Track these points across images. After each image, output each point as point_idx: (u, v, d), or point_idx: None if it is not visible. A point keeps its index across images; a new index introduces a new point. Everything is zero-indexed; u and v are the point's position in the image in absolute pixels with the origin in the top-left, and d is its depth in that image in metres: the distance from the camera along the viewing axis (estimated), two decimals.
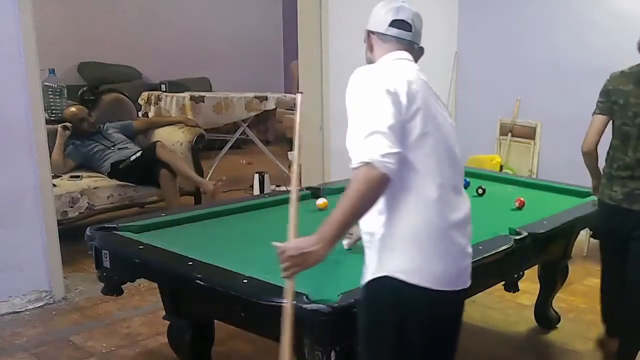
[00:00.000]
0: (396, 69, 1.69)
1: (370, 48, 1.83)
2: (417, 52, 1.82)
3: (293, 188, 1.82)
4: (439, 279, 1.62)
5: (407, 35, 1.78)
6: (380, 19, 1.78)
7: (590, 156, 2.66)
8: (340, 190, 3.27)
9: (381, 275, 1.61)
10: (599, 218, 2.72)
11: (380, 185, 1.50)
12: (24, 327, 3.31)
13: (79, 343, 3.13)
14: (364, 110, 1.59)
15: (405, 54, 1.77)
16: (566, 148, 4.81)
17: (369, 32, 1.81)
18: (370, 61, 1.83)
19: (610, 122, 2.61)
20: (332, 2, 4.62)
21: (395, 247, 1.60)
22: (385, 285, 1.60)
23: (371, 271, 1.64)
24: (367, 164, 1.50)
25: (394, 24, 1.77)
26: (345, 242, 2.19)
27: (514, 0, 5.46)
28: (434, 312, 1.64)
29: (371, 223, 1.64)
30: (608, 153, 2.65)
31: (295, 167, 1.85)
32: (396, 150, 1.51)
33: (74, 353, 3.03)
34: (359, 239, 1.81)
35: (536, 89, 5.21)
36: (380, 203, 1.58)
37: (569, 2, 4.85)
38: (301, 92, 2.01)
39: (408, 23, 1.77)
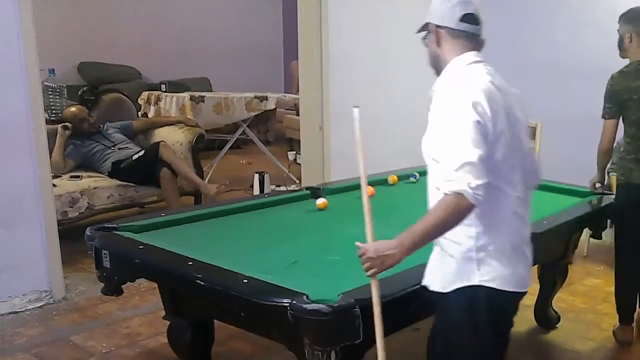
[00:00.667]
0: (478, 84, 1.71)
1: (438, 43, 1.81)
2: (482, 45, 1.85)
3: (364, 192, 1.88)
4: (522, 283, 1.81)
5: (476, 30, 1.79)
6: (448, 13, 1.77)
7: (607, 155, 3.10)
8: (340, 190, 3.30)
9: (470, 284, 1.73)
10: (626, 199, 3.04)
11: (467, 214, 1.63)
12: (24, 327, 3.31)
13: (79, 343, 3.13)
14: (453, 137, 1.64)
15: (478, 55, 1.80)
16: (566, 148, 4.83)
17: (437, 27, 1.79)
18: (436, 56, 1.83)
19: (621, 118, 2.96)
20: (332, 2, 4.62)
21: (486, 259, 1.73)
22: (477, 293, 1.73)
23: (450, 279, 1.76)
24: (458, 193, 1.59)
25: (465, 18, 1.76)
26: None
27: (513, 0, 5.46)
28: (516, 311, 1.88)
29: (459, 234, 1.72)
30: (626, 142, 3.01)
31: (362, 175, 1.91)
32: (485, 181, 1.61)
33: (74, 353, 3.03)
34: None
35: (536, 89, 5.20)
36: (471, 216, 1.67)
37: (569, 2, 4.85)
38: (358, 106, 1.98)
39: (477, 17, 1.78)
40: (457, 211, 1.62)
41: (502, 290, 1.74)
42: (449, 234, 1.72)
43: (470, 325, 1.77)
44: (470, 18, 1.77)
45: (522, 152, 1.78)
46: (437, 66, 1.84)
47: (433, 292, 1.81)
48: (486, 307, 1.74)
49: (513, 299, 1.81)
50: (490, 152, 1.65)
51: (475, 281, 1.73)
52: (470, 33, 1.78)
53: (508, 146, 1.70)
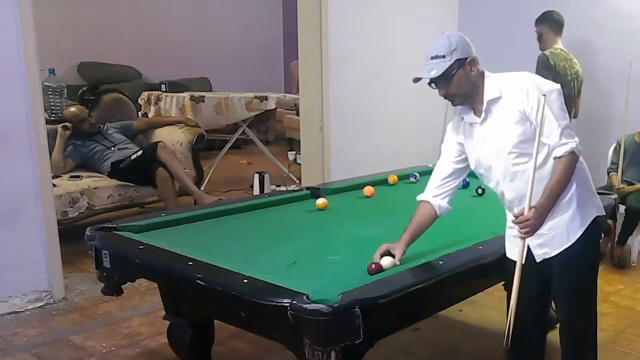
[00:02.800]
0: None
1: (473, 71, 2.14)
2: None
3: (533, 164, 2.01)
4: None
5: None
6: (467, 45, 2.15)
7: None
8: (340, 190, 3.30)
9: (593, 217, 2.16)
10: None
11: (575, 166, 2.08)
12: (24, 327, 3.31)
13: (79, 343, 3.13)
14: (548, 113, 2.03)
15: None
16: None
17: (467, 60, 2.13)
18: (474, 83, 2.14)
19: None
20: (331, 2, 4.63)
21: (589, 197, 2.19)
22: (598, 222, 2.19)
23: (579, 220, 2.14)
24: (572, 152, 2.03)
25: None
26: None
27: (513, 0, 5.46)
28: None
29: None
30: None
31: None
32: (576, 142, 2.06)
33: (74, 353, 3.03)
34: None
35: None
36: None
37: (569, 2, 4.85)
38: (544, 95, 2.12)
39: None
40: (573, 166, 2.06)
41: (603, 215, 2.25)
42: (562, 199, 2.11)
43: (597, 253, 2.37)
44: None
45: None
46: (475, 91, 2.14)
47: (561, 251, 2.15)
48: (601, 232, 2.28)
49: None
50: None
51: (592, 215, 2.17)
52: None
53: None
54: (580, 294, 2.23)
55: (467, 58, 2.11)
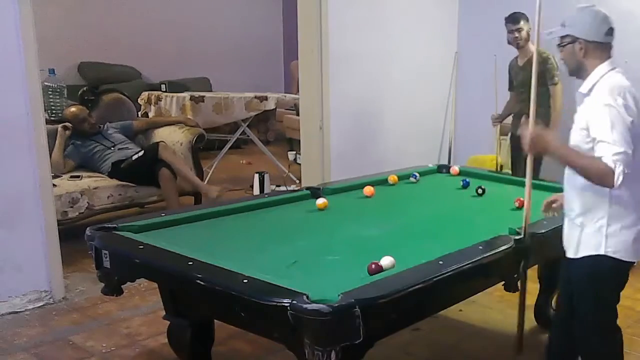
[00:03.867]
0: (625, 88, 2.11)
1: (585, 54, 2.16)
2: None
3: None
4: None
5: (612, 40, 2.19)
6: (596, 28, 2.15)
7: None
8: (340, 190, 3.30)
9: (598, 253, 2.17)
10: None
11: (602, 184, 2.04)
12: (24, 327, 3.31)
13: (79, 343, 3.13)
14: (615, 129, 2.01)
15: (612, 62, 2.19)
16: None
17: (585, 41, 2.14)
18: (580, 64, 2.18)
19: None
20: (332, 2, 4.63)
21: (614, 234, 2.17)
22: (603, 262, 2.18)
23: (585, 245, 2.21)
24: (611, 169, 1.98)
25: (608, 31, 2.16)
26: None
27: (513, 0, 5.46)
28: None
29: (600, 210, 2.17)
30: None
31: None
32: (628, 171, 1.99)
33: (74, 353, 3.03)
34: None
35: None
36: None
37: (568, 2, 4.84)
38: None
39: (614, 30, 2.18)
40: (600, 176, 2.02)
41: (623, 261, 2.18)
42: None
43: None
44: (610, 31, 2.17)
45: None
46: (579, 72, 2.21)
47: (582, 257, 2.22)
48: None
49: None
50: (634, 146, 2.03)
51: (601, 251, 2.16)
52: (609, 44, 2.18)
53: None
54: (578, 308, 2.33)
55: (578, 39, 2.16)
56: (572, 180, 2.22)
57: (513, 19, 4.59)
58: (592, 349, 2.37)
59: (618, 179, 1.97)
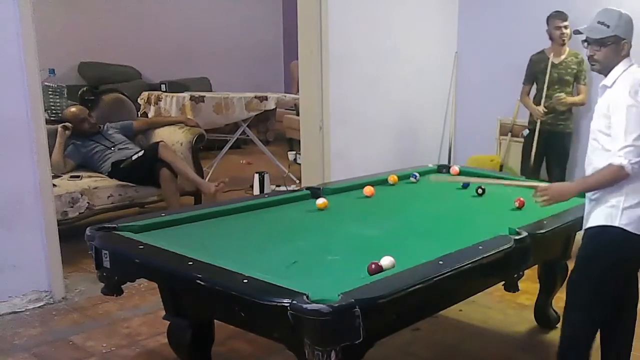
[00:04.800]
0: None
1: (619, 51, 2.36)
2: None
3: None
4: None
5: None
6: (630, 29, 2.37)
7: None
8: (340, 190, 3.30)
9: (607, 223, 2.33)
10: None
11: (622, 180, 2.25)
12: (24, 327, 3.31)
13: (79, 343, 3.13)
14: (626, 123, 2.22)
15: (631, 58, 2.39)
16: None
17: (622, 40, 2.35)
18: (612, 60, 2.36)
19: None
20: (331, 2, 4.63)
21: (621, 207, 2.32)
22: (609, 231, 2.34)
23: (595, 216, 2.37)
24: (618, 166, 2.20)
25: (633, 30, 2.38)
26: None
27: (513, 0, 5.46)
28: None
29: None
30: None
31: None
32: (638, 159, 2.20)
33: (74, 353, 3.03)
34: None
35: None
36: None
37: (568, 2, 4.85)
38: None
39: None
40: (613, 178, 2.24)
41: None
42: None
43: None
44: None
45: None
46: (608, 68, 2.38)
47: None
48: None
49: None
50: None
51: (615, 223, 2.31)
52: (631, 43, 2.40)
53: None
54: (571, 284, 2.48)
55: (624, 39, 2.35)
56: (590, 162, 2.40)
57: (562, 15, 4.64)
58: (572, 321, 2.48)
59: (631, 169, 2.19)
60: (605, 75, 2.40)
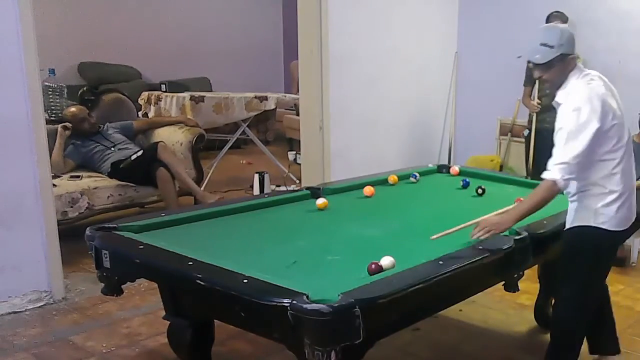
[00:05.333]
0: (596, 93, 2.32)
1: (571, 67, 2.39)
2: None
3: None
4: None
5: None
6: (572, 43, 2.38)
7: None
8: (340, 190, 3.30)
9: (585, 224, 2.42)
10: None
11: (553, 196, 2.32)
12: (24, 327, 3.31)
13: (79, 343, 3.13)
14: (568, 141, 2.29)
15: (581, 67, 2.42)
16: None
17: (569, 56, 2.37)
18: (564, 77, 2.39)
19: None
20: (331, 2, 4.63)
21: (597, 207, 2.40)
22: (587, 232, 2.43)
23: (574, 217, 2.46)
24: (551, 181, 2.28)
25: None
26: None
27: (513, 0, 5.47)
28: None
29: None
30: None
31: None
32: (573, 176, 2.30)
33: (74, 353, 3.03)
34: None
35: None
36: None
37: (569, 2, 4.85)
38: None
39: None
40: (549, 194, 2.30)
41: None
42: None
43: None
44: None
45: (622, 125, 2.39)
46: (559, 84, 2.41)
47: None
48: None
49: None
50: (602, 142, 2.30)
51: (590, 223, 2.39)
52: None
53: (618, 128, 2.34)
54: (562, 279, 2.53)
55: (569, 55, 2.37)
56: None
57: (562, 17, 4.63)
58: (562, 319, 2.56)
59: (564, 184, 2.28)
60: (558, 90, 2.43)
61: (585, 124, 2.26)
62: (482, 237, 2.32)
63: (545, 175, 2.31)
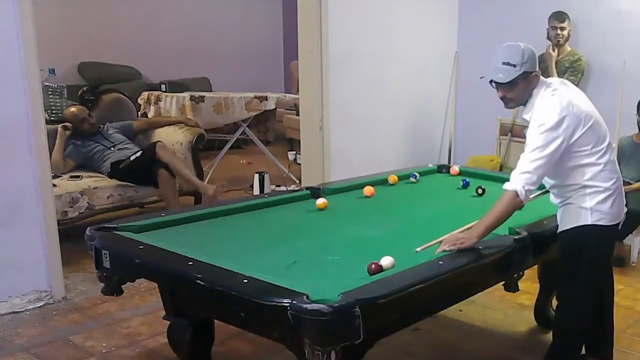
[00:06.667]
0: (559, 103, 2.33)
1: (529, 85, 2.39)
2: None
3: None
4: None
5: None
6: (535, 60, 2.39)
7: None
8: (340, 190, 3.30)
9: (579, 224, 2.43)
10: None
11: (516, 208, 2.31)
12: (24, 327, 3.31)
13: (79, 343, 3.13)
14: (531, 153, 2.31)
15: (542, 81, 2.42)
16: None
17: (533, 73, 2.37)
18: (529, 93, 2.40)
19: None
20: (332, 2, 4.62)
21: (589, 206, 2.42)
22: (580, 232, 2.44)
23: (567, 218, 2.46)
24: (513, 192, 2.28)
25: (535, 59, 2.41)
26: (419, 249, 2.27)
27: (513, 0, 5.46)
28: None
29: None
30: None
31: None
32: (534, 188, 2.31)
33: (74, 353, 3.03)
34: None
35: None
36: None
37: (569, 2, 4.85)
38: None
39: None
40: (512, 206, 2.28)
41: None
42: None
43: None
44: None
45: (599, 123, 2.41)
46: (523, 101, 2.43)
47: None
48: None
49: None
50: (581, 146, 2.33)
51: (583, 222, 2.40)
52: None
53: (592, 125, 2.35)
54: (563, 280, 2.54)
55: (532, 72, 2.37)
56: (548, 179, 2.49)
57: (559, 16, 4.63)
58: (564, 320, 2.57)
59: (525, 195, 2.27)
60: (524, 106, 2.44)
61: (550, 137, 2.27)
62: (447, 250, 2.23)
63: (506, 185, 2.31)
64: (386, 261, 2.09)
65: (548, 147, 2.27)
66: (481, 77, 2.44)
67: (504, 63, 2.34)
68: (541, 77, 2.43)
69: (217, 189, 4.70)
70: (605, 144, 2.42)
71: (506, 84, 2.36)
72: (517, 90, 2.38)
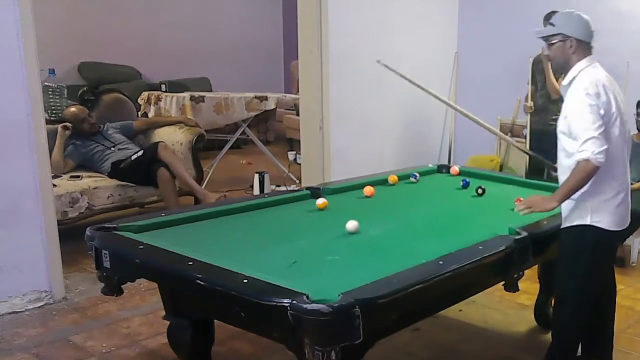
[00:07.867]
0: (598, 80, 2.37)
1: (574, 50, 2.44)
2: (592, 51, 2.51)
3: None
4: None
5: (593, 41, 2.51)
6: (585, 30, 2.45)
7: None
8: (340, 190, 3.30)
9: (582, 223, 2.44)
10: None
11: (593, 174, 2.29)
12: (24, 327, 3.31)
13: (79, 343, 3.13)
14: (583, 119, 2.29)
15: (592, 59, 2.46)
16: None
17: (575, 39, 2.42)
18: (567, 59, 2.46)
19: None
20: (331, 2, 4.63)
21: (593, 205, 2.43)
22: (583, 231, 2.45)
23: (570, 216, 2.47)
24: (584, 160, 2.25)
25: (592, 34, 2.47)
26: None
27: (513, 0, 5.46)
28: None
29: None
30: None
31: None
32: (605, 147, 2.26)
33: (74, 353, 3.03)
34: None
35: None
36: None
37: (568, 2, 4.85)
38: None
39: (594, 32, 2.49)
40: (587, 173, 2.28)
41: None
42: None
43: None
44: (593, 34, 2.48)
45: (624, 126, 2.44)
46: (565, 67, 2.48)
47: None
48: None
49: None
50: (608, 129, 2.32)
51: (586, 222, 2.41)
52: (591, 45, 2.48)
53: (619, 124, 2.38)
54: (557, 281, 2.56)
55: (570, 36, 2.43)
56: (560, 163, 2.50)
57: (548, 17, 4.57)
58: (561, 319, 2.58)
59: (596, 159, 2.24)
60: (565, 74, 2.50)
61: (595, 102, 2.30)
62: (521, 213, 2.44)
63: (576, 157, 2.30)
64: (350, 225, 2.44)
65: (598, 111, 2.29)
66: (530, 31, 2.55)
67: (549, 23, 2.47)
68: (589, 57, 2.46)
69: (219, 200, 4.69)
70: (624, 143, 2.44)
71: (544, 40, 2.48)
72: (554, 50, 2.47)
